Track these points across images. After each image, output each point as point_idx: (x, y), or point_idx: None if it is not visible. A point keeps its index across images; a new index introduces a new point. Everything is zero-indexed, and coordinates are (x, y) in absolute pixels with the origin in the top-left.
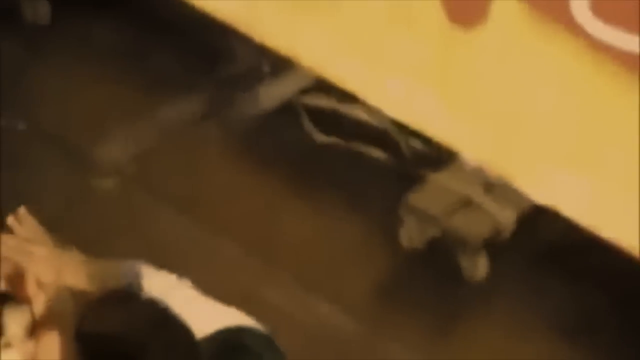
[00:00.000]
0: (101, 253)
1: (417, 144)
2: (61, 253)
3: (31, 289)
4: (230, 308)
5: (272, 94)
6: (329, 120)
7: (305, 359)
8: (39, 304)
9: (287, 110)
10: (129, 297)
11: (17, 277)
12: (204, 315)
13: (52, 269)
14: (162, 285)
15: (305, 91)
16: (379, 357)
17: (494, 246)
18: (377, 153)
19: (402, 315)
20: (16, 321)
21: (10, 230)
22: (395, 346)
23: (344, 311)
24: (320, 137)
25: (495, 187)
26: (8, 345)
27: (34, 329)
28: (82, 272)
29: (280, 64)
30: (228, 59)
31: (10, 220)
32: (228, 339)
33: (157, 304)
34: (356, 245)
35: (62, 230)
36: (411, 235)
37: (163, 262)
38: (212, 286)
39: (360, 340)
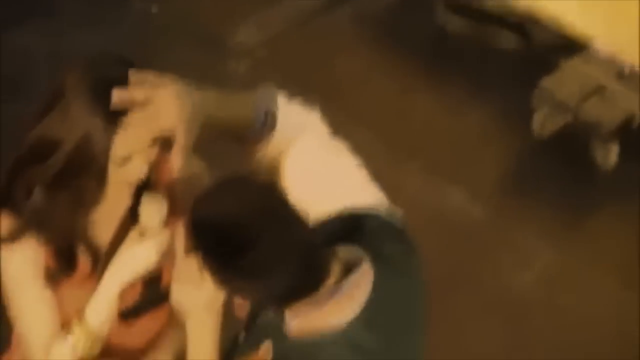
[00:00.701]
0: None
1: (549, 32)
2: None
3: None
4: (355, 171)
5: None
6: (461, 8)
7: (435, 244)
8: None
9: None
10: (244, 182)
11: (159, 163)
12: (330, 184)
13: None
14: (296, 121)
15: None
16: (507, 244)
17: (625, 134)
18: (509, 41)
19: (531, 203)
20: (152, 211)
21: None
22: (523, 234)
23: (474, 198)
24: (453, 25)
25: (627, 76)
26: (143, 234)
27: (169, 218)
28: (212, 106)
29: None
30: None
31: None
32: (348, 223)
33: (273, 191)
34: (487, 133)
35: None
36: (543, 122)
37: None
38: None
39: (489, 226)
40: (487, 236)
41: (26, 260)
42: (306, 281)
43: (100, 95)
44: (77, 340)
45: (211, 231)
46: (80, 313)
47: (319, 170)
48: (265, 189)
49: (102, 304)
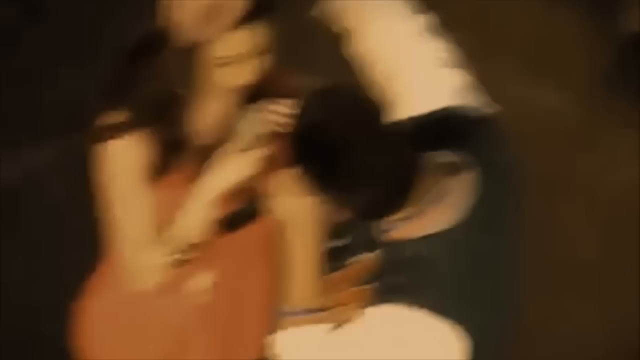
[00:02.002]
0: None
1: None
2: None
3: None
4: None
5: None
6: None
7: (534, 142)
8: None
9: None
10: (344, 93)
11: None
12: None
13: None
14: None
15: None
16: (609, 141)
17: None
18: None
19: (630, 101)
20: (251, 124)
21: None
22: (620, 131)
23: (573, 97)
24: None
25: None
26: (244, 150)
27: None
28: None
29: None
30: None
31: None
32: (449, 124)
33: (371, 102)
34: (582, 32)
35: None
36: (633, 20)
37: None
38: None
39: (586, 124)
40: (584, 133)
41: (129, 157)
42: (402, 193)
43: None
44: (167, 245)
45: (312, 140)
46: (175, 216)
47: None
48: (365, 101)
49: (193, 211)
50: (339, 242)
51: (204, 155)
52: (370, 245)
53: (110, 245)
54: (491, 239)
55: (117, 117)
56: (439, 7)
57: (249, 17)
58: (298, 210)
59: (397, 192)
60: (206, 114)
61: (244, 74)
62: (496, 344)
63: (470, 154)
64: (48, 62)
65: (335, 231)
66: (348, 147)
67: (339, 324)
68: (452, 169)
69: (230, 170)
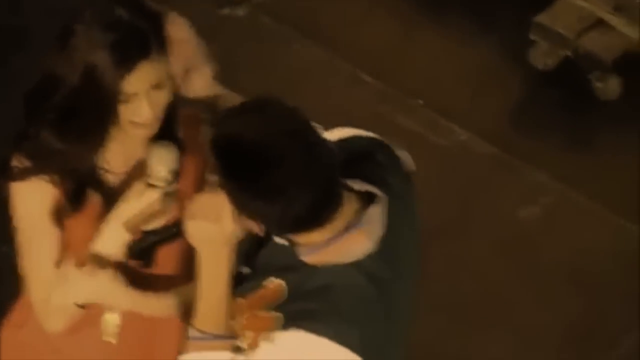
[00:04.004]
0: (230, 73)
1: None
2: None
3: None
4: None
5: None
6: None
7: (440, 178)
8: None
9: None
10: (269, 104)
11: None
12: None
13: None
14: None
15: None
16: (513, 178)
17: (626, 65)
18: None
19: (536, 137)
20: (161, 160)
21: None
22: (529, 167)
23: (478, 134)
24: None
25: (625, 6)
26: (152, 186)
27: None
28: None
29: None
30: None
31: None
32: (354, 145)
33: (298, 114)
34: (487, 68)
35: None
36: (542, 56)
37: (300, 94)
38: (350, 113)
39: (495, 161)
40: (491, 170)
41: (35, 199)
42: (323, 208)
43: (108, 28)
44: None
45: (233, 150)
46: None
47: None
48: (290, 112)
49: (100, 243)
50: (249, 267)
51: (116, 192)
52: (282, 270)
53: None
54: (398, 272)
55: (21, 160)
56: (344, 49)
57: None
58: (211, 235)
59: (316, 208)
60: (117, 152)
61: (147, 109)
62: None
63: (384, 184)
64: None
65: (247, 255)
66: (272, 155)
67: (244, 350)
68: (368, 199)
69: (132, 200)
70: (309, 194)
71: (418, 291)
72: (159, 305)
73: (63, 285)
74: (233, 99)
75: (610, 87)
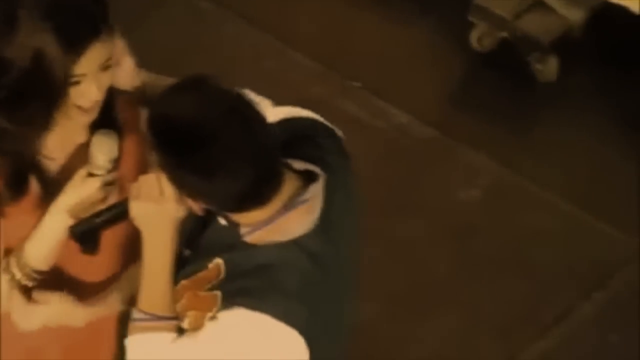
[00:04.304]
0: (166, 55)
1: None
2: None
3: None
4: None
5: None
6: None
7: (379, 164)
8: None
9: None
10: (205, 82)
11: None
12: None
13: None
14: None
15: None
16: (453, 160)
17: (564, 47)
18: None
19: (475, 119)
20: (103, 149)
21: None
22: (468, 149)
23: (417, 116)
24: None
25: None
26: (92, 175)
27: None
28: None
29: None
30: None
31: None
32: (295, 125)
33: (235, 93)
34: (427, 50)
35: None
36: (481, 38)
37: (236, 76)
38: (288, 96)
39: (434, 143)
40: (432, 153)
41: None
42: (263, 185)
43: (54, 13)
44: (12, 270)
45: (169, 127)
46: (23, 242)
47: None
48: (228, 91)
49: (42, 237)
50: (191, 249)
51: (55, 180)
52: (224, 250)
53: None
54: (338, 250)
55: None
56: (282, 27)
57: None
58: (154, 214)
59: (255, 186)
60: (60, 137)
61: (90, 91)
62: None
63: (322, 162)
64: None
65: (190, 237)
66: (207, 132)
67: (187, 330)
68: (308, 177)
69: (73, 189)
70: (249, 170)
71: (357, 275)
72: (108, 307)
73: (17, 314)
74: (164, 81)
75: (549, 68)
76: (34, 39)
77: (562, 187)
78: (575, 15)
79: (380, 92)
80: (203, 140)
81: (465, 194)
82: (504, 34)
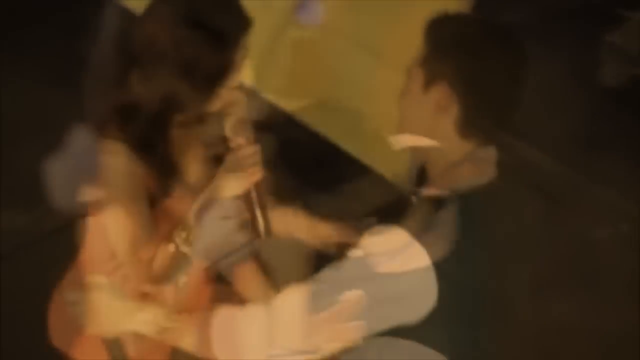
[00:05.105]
0: None
1: None
2: None
3: None
4: None
5: None
6: None
7: (511, 197)
8: None
9: None
10: None
11: None
12: None
13: None
14: None
15: None
16: (582, 198)
17: None
18: None
19: (603, 156)
20: (229, 186)
21: None
22: (597, 187)
23: (546, 152)
24: None
25: None
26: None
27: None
28: None
29: None
30: None
31: None
32: None
33: None
34: (556, 86)
35: None
36: (612, 74)
37: None
38: None
39: (563, 180)
40: (561, 190)
41: (129, 169)
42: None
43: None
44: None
45: None
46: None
47: None
48: None
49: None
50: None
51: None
52: (356, 281)
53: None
54: (472, 273)
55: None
56: None
57: None
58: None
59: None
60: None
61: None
62: None
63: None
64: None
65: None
66: None
67: None
68: (438, 203)
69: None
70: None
71: None
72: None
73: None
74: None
75: None
76: (168, 81)
77: None
78: None
79: (513, 130)
80: None
81: (598, 232)
82: (635, 70)
